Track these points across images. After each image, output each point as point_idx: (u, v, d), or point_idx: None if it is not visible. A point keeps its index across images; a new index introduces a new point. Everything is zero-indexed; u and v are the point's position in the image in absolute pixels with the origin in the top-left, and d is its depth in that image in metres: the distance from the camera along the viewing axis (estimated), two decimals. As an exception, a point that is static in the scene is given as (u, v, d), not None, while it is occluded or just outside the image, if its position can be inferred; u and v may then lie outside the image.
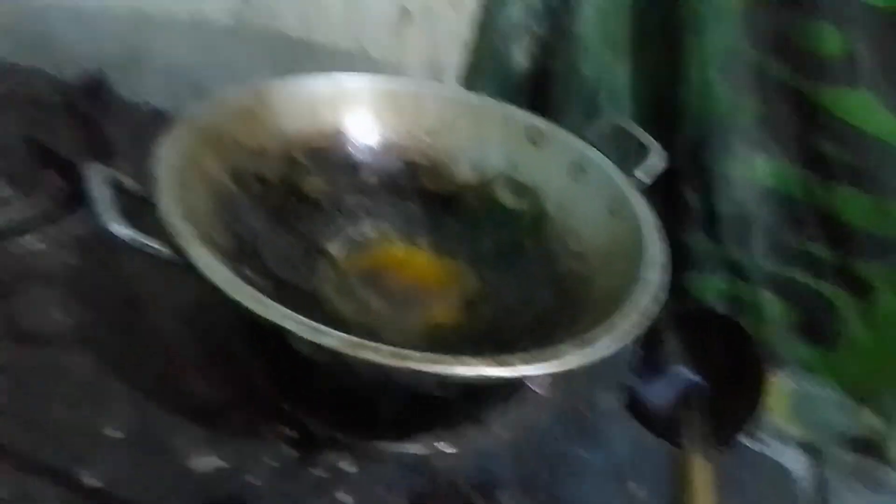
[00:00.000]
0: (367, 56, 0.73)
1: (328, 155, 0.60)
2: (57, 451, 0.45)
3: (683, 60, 0.65)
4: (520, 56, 0.70)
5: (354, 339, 0.37)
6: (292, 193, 0.58)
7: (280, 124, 0.58)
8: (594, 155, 0.59)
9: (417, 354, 0.37)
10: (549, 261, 0.57)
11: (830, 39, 0.62)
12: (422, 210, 0.62)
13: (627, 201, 0.54)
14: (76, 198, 0.62)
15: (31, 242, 0.58)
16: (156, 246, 0.40)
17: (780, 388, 0.77)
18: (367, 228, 0.61)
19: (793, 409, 0.77)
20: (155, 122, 0.73)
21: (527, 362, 0.39)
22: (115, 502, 0.43)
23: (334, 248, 0.58)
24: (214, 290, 0.39)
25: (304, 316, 0.44)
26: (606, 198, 0.56)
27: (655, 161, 0.58)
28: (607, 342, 0.42)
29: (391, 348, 0.37)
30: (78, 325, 0.53)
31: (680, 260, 0.77)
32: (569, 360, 0.40)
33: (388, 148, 0.63)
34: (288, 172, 0.58)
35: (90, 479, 0.43)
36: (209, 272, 0.39)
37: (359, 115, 0.62)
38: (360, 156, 0.62)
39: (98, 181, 0.41)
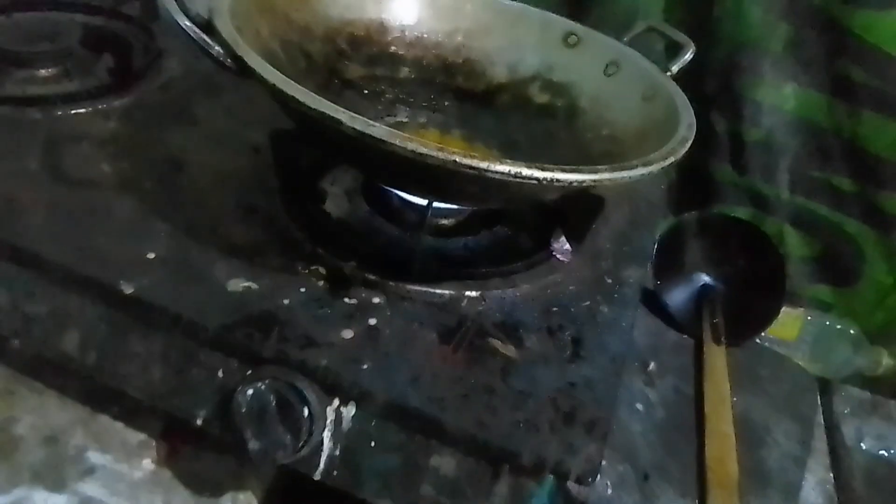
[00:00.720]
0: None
1: (369, 45, 0.63)
2: (100, 267, 0.46)
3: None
4: (558, -21, 0.73)
5: (398, 132, 0.39)
6: (334, 75, 0.60)
7: (326, 10, 0.60)
8: (629, 52, 0.61)
9: (460, 151, 0.38)
10: (583, 146, 0.58)
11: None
12: (456, 105, 0.64)
13: (661, 86, 0.56)
14: (127, 78, 0.64)
15: (81, 112, 0.61)
16: (217, 48, 0.42)
17: (795, 321, 0.77)
18: (403, 117, 0.62)
19: (805, 342, 0.77)
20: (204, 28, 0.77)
21: (563, 171, 0.40)
22: (153, 310, 0.44)
23: (371, 128, 0.59)
24: (271, 91, 0.41)
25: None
26: (641, 86, 0.57)
27: (688, 56, 0.59)
28: (640, 168, 0.43)
29: (436, 144, 0.38)
30: (123, 175, 0.54)
31: (704, 192, 0.79)
32: (602, 174, 0.41)
33: (425, 46, 0.65)
34: (331, 55, 0.60)
35: (129, 289, 0.45)
36: (265, 73, 0.41)
37: (400, 12, 0.64)
38: (398, 50, 0.64)
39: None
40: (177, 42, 0.72)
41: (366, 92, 0.62)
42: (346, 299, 0.47)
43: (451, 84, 0.65)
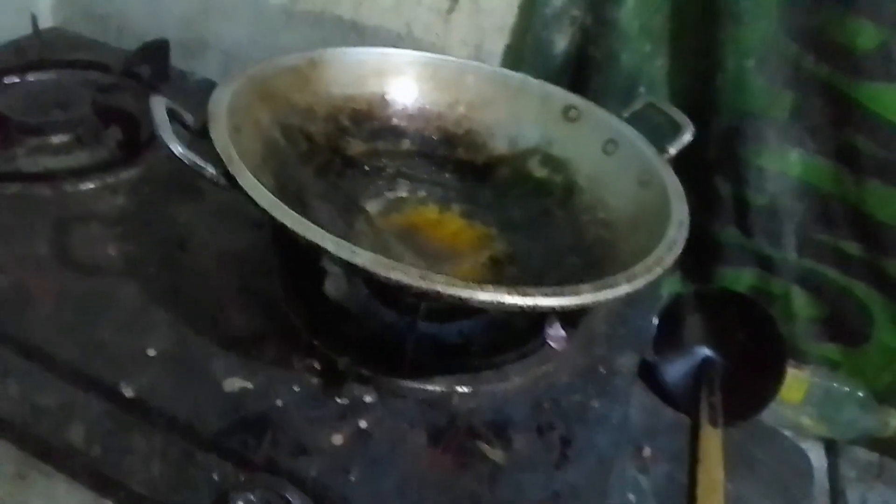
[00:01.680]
0: (414, 40, 0.77)
1: (371, 120, 0.64)
2: (103, 365, 0.48)
3: (721, 51, 0.67)
4: (561, 42, 0.73)
5: (385, 259, 0.40)
6: (336, 153, 0.61)
7: (328, 88, 0.62)
8: (628, 131, 0.61)
9: (442, 278, 0.39)
10: (577, 229, 0.58)
11: (867, 34, 0.63)
12: (456, 179, 0.65)
13: (657, 172, 0.56)
14: (135, 149, 0.66)
15: (90, 187, 0.62)
16: (210, 170, 0.43)
17: (801, 383, 0.77)
18: (404, 192, 0.63)
19: (812, 404, 0.77)
20: (208, 90, 0.79)
21: (545, 295, 0.41)
22: (152, 411, 0.46)
23: (372, 206, 0.61)
24: (262, 213, 0.42)
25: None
26: (637, 170, 0.58)
27: (687, 137, 0.60)
28: (624, 285, 0.43)
29: (419, 270, 0.39)
30: (129, 258, 0.56)
31: (710, 253, 0.79)
32: (585, 296, 0.42)
33: (427, 118, 0.66)
34: (333, 133, 0.61)
35: (129, 392, 0.46)
36: (257, 196, 0.42)
37: (402, 85, 0.65)
38: (400, 123, 0.65)
39: (159, 109, 0.44)
40: (187, 102, 0.74)
41: (367, 168, 0.63)
42: (339, 398, 0.48)
43: (451, 156, 0.65)
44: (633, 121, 0.63)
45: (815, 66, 0.66)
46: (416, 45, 0.77)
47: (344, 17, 0.79)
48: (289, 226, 0.41)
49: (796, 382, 0.77)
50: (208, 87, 0.80)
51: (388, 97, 0.65)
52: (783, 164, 0.71)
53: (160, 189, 0.63)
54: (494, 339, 0.55)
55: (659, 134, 0.62)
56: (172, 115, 0.46)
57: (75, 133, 0.68)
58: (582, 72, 0.73)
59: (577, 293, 0.42)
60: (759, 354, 0.68)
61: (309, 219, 0.52)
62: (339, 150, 0.61)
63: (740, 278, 0.78)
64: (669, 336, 0.68)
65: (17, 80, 0.74)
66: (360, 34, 0.78)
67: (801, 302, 0.78)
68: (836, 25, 0.64)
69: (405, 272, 0.39)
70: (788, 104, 0.68)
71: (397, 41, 0.77)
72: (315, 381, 0.49)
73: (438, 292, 0.39)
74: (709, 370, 0.68)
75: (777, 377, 0.66)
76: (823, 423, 0.77)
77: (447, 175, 0.65)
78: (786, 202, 0.73)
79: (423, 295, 0.39)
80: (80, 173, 0.63)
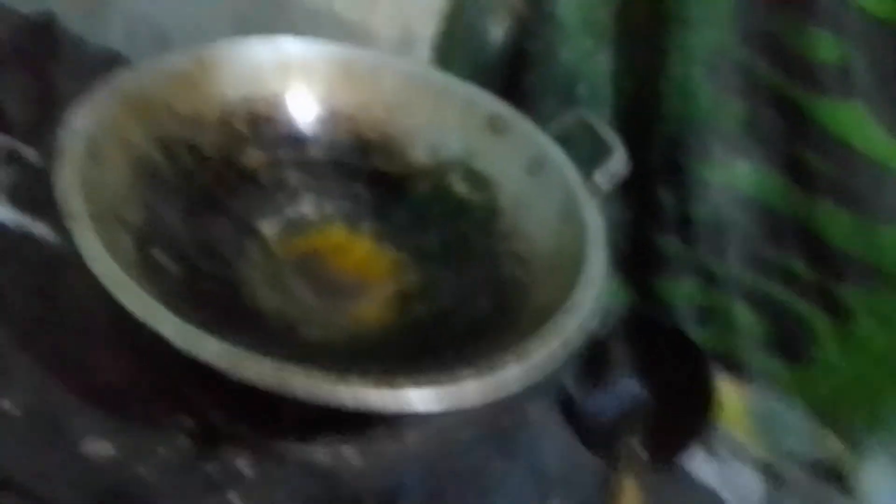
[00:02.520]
0: (335, 16, 0.69)
1: (271, 125, 0.57)
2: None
3: (667, 56, 0.60)
4: (497, 32, 0.65)
5: (234, 351, 0.35)
6: (228, 166, 0.54)
7: (221, 90, 0.54)
8: (554, 152, 0.55)
9: (301, 375, 0.35)
10: (493, 262, 0.53)
11: (826, 46, 0.56)
12: (369, 192, 0.59)
13: (579, 208, 0.51)
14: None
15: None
16: (40, 230, 0.37)
17: (742, 403, 0.74)
18: (308, 208, 0.57)
19: (753, 424, 0.75)
20: (110, 65, 0.71)
21: (418, 385, 0.36)
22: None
23: (268, 228, 0.55)
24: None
25: (219, 306, 0.42)
26: (560, 201, 0.52)
27: (617, 165, 0.54)
28: (515, 373, 0.39)
29: (274, 365, 0.35)
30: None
31: (649, 261, 0.74)
32: (466, 387, 0.37)
33: (338, 121, 0.59)
34: (225, 143, 0.55)
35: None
36: (89, 256, 0.36)
37: (309, 84, 0.58)
38: (307, 128, 0.58)
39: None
40: (76, 85, 0.67)
41: (266, 182, 0.56)
42: (208, 465, 0.44)
43: (365, 166, 0.59)
44: (564, 134, 0.57)
45: (769, 75, 0.60)
46: (336, 23, 0.69)
47: (260, -12, 0.70)
48: (126, 306, 0.35)
49: (736, 397, 0.74)
50: (107, 60, 0.73)
51: (292, 97, 0.58)
52: (730, 176, 0.66)
53: (33, 201, 0.57)
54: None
55: (593, 151, 0.57)
56: (11, 159, 0.39)
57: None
58: (517, 65, 0.66)
59: (456, 381, 0.37)
60: (687, 391, 0.64)
61: (182, 253, 0.47)
62: (233, 163, 0.55)
63: (680, 289, 0.74)
64: (593, 367, 0.64)
65: None
66: (277, 4, 0.70)
67: (743, 316, 0.74)
68: (794, 34, 0.57)
69: (258, 370, 0.34)
70: (738, 114, 0.63)
71: (315, 17, 0.69)
72: (186, 442, 0.45)
73: (295, 394, 0.34)
74: (634, 408, 0.64)
75: (704, 415, 0.63)
76: (763, 439, 0.75)
77: (359, 187, 0.59)
78: (731, 216, 0.68)
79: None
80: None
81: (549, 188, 0.54)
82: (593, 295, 0.44)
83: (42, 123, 0.61)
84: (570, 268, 0.47)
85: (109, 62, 0.72)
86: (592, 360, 0.65)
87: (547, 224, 0.52)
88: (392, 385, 0.36)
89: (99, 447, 0.44)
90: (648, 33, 0.61)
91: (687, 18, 0.58)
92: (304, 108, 0.58)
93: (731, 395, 0.71)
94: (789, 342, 0.73)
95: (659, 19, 0.60)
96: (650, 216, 0.71)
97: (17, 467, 0.42)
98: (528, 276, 0.51)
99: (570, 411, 0.64)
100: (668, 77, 0.61)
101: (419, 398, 0.36)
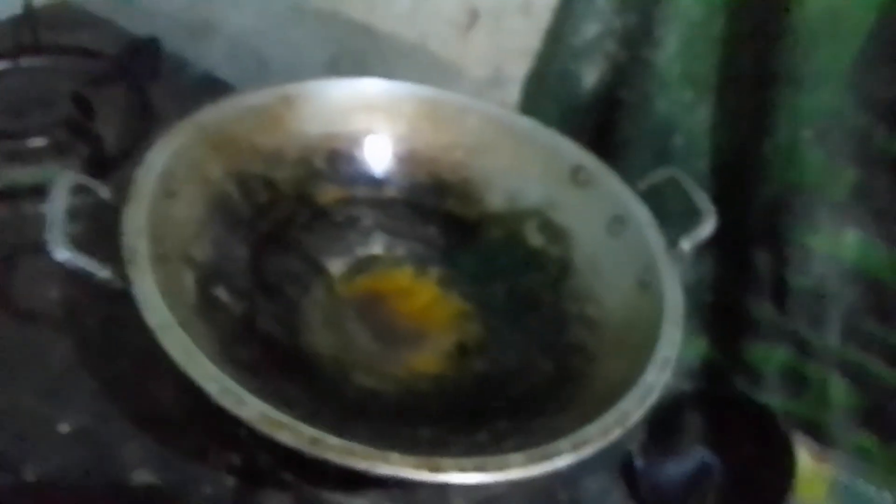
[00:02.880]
0: (428, 53, 0.68)
1: (350, 162, 0.57)
2: (10, 442, 0.45)
3: (774, 114, 0.56)
4: (590, 77, 0.63)
5: (274, 415, 0.34)
6: (303, 203, 0.55)
7: (304, 127, 0.55)
8: (639, 211, 0.52)
9: (338, 444, 0.33)
10: (560, 324, 0.51)
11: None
12: (441, 235, 0.57)
13: (659, 277, 0.47)
14: (103, 164, 0.61)
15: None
16: (101, 274, 0.37)
17: (824, 479, 0.68)
18: (378, 249, 0.57)
19: (835, 502, 0.68)
20: (211, 89, 0.73)
21: (462, 470, 0.34)
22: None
23: (336, 266, 0.54)
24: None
25: (275, 346, 0.42)
26: (639, 266, 0.49)
27: (706, 232, 0.50)
28: (567, 459, 0.36)
29: (312, 433, 0.34)
30: (68, 307, 0.52)
31: (739, 325, 0.69)
32: (513, 471, 0.35)
33: (417, 162, 0.58)
34: (302, 178, 0.55)
35: (31, 477, 0.43)
36: (144, 306, 0.37)
37: (392, 124, 0.57)
38: (385, 167, 0.58)
39: (60, 192, 0.39)
40: (180, 103, 0.69)
41: (339, 219, 0.56)
42: (251, 508, 0.44)
43: (440, 208, 0.58)
44: (651, 196, 0.54)
45: (888, 142, 0.55)
46: (429, 59, 0.68)
47: (356, 19, 0.70)
48: (172, 356, 0.35)
49: (818, 479, 0.68)
50: (207, 83, 0.75)
51: (374, 136, 0.57)
52: (835, 246, 0.60)
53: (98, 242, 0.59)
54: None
55: (681, 213, 0.53)
56: (83, 191, 0.40)
57: (52, 137, 0.64)
58: (610, 113, 0.63)
59: (503, 467, 0.35)
60: (764, 466, 0.59)
61: (247, 291, 0.47)
62: (308, 199, 0.55)
63: (771, 356, 0.69)
64: (662, 435, 0.60)
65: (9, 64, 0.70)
66: (372, 39, 0.70)
67: (839, 390, 0.68)
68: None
69: (295, 435, 0.33)
70: (850, 181, 0.57)
71: (410, 52, 0.69)
72: (231, 482, 0.45)
73: (328, 461, 0.33)
74: (704, 478, 0.60)
75: (781, 497, 0.58)
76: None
77: (432, 230, 0.58)
78: (834, 287, 0.62)
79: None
80: (42, 191, 0.58)
81: (629, 250, 0.51)
82: (663, 380, 0.41)
83: (136, 146, 0.64)
84: (641, 343, 0.44)
85: (210, 86, 0.74)
86: (661, 425, 0.61)
87: (622, 290, 0.49)
88: (433, 469, 0.34)
89: (147, 479, 0.44)
90: (754, 89, 0.57)
91: (799, 77, 0.53)
92: (384, 148, 0.58)
93: (813, 471, 0.66)
94: (885, 419, 0.67)
95: (767, 74, 0.55)
96: (742, 278, 0.66)
97: (65, 489, 0.43)
98: (595, 344, 0.48)
99: (633, 481, 0.60)
100: (774, 138, 0.56)
101: (461, 478, 0.34)
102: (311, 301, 0.51)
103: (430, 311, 0.54)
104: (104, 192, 0.42)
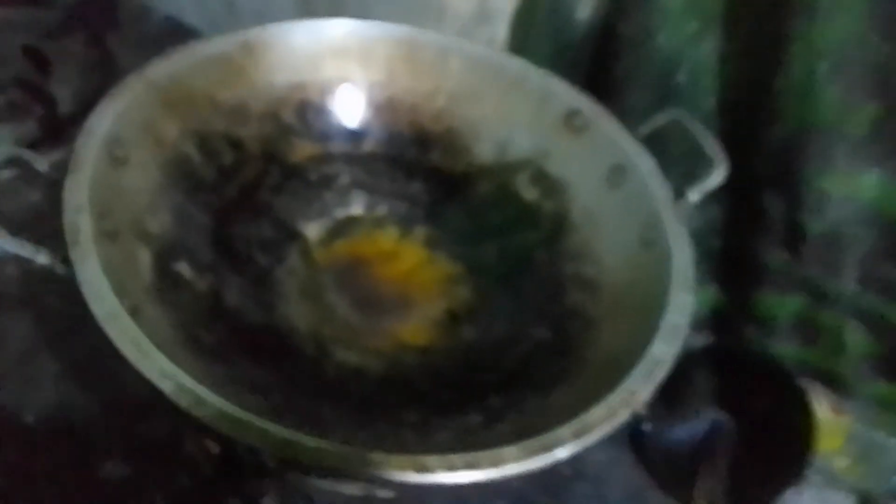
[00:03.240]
0: (406, -14, 0.62)
1: (323, 115, 0.52)
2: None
3: (787, 48, 0.50)
4: (584, 9, 0.57)
5: (237, 414, 0.30)
6: (272, 162, 0.50)
7: (269, 77, 0.49)
8: (641, 160, 0.47)
9: (312, 446, 0.30)
10: (558, 284, 0.47)
11: None
12: (426, 191, 0.53)
13: (664, 233, 0.43)
14: (57, 126, 0.56)
15: (5, 177, 0.54)
16: (39, 258, 0.33)
17: (841, 429, 0.66)
18: (358, 209, 0.52)
19: (852, 452, 0.66)
20: (174, 37, 0.67)
21: (451, 468, 0.31)
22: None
23: (313, 230, 0.50)
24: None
25: (246, 324, 0.38)
26: (642, 221, 0.45)
27: (716, 182, 0.46)
28: (569, 449, 0.33)
29: (282, 434, 0.30)
30: (27, 284, 0.48)
31: (752, 273, 0.65)
32: (508, 466, 0.32)
33: (397, 110, 0.53)
34: (271, 135, 0.50)
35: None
36: (90, 296, 0.32)
37: (366, 69, 0.52)
38: (362, 118, 0.53)
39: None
40: (136, 59, 0.64)
41: (314, 178, 0.51)
42: (230, 499, 0.41)
43: (424, 161, 0.53)
44: (654, 140, 0.49)
45: (913, 73, 0.50)
46: (408, -6, 0.62)
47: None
48: (121, 351, 0.31)
49: (835, 430, 0.66)
50: (171, 30, 0.69)
51: (348, 83, 0.52)
52: (853, 187, 0.56)
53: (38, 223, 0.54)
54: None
55: (687, 159, 0.49)
56: (18, 165, 0.36)
57: (4, 96, 0.59)
58: (607, 49, 0.57)
59: (497, 462, 0.32)
60: (781, 425, 0.56)
61: (213, 265, 0.43)
62: (278, 157, 0.50)
63: (784, 304, 0.65)
64: (670, 395, 0.56)
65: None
66: (346, -27, 0.64)
67: (855, 337, 0.65)
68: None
69: (262, 436, 0.30)
70: (869, 118, 0.52)
71: (387, -14, 0.63)
72: (209, 470, 0.42)
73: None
74: (716, 440, 0.57)
75: (799, 459, 0.55)
76: (860, 467, 0.67)
77: (416, 186, 0.53)
78: (851, 230, 0.58)
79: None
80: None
81: (631, 203, 0.46)
82: (672, 352, 0.37)
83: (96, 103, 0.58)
84: (647, 308, 0.40)
85: (174, 33, 0.68)
86: (669, 386, 0.58)
87: (624, 247, 0.45)
88: (420, 469, 0.30)
89: (118, 469, 0.41)
90: (765, 19, 0.51)
91: (814, 5, 0.48)
92: (360, 97, 0.52)
93: (828, 421, 0.63)
94: (903, 363, 0.64)
95: (780, 4, 0.50)
96: (752, 223, 0.62)
97: (33, 484, 0.40)
98: (595, 308, 0.44)
99: (641, 446, 0.57)
100: (787, 72, 0.51)
101: (452, 477, 0.31)
102: (285, 271, 0.47)
103: (416, 275, 0.50)
104: (41, 164, 0.37)
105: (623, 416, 0.34)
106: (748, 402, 0.58)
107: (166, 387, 0.30)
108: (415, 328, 0.47)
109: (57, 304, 0.48)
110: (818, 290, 0.63)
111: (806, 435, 0.56)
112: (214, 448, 0.42)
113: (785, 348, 0.62)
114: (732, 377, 0.59)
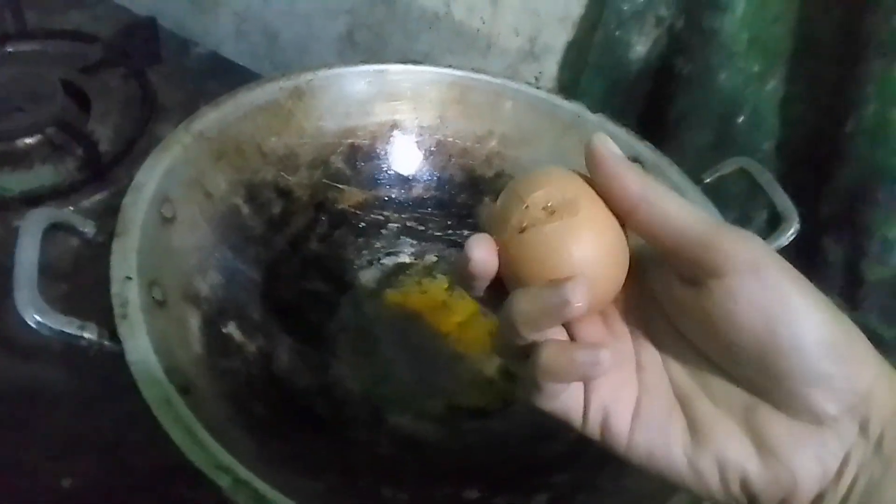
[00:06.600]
0: (453, 21, 0.60)
1: (374, 160, 0.50)
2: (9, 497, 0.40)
3: (861, 89, 0.48)
4: (640, 46, 0.55)
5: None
6: (322, 209, 0.48)
7: (319, 123, 0.48)
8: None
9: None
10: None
11: None
12: (479, 239, 0.51)
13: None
14: (98, 167, 0.55)
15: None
16: (85, 336, 0.32)
17: None
18: (407, 256, 0.51)
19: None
20: (216, 71, 0.66)
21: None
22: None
23: (362, 280, 0.48)
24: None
25: (298, 390, 0.37)
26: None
27: (786, 240, 0.44)
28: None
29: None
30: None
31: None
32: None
33: (448, 154, 0.51)
34: (319, 183, 0.48)
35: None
36: (137, 371, 0.31)
37: (418, 112, 0.51)
38: (413, 162, 0.51)
39: (32, 238, 0.33)
40: (178, 95, 0.63)
41: (363, 225, 0.50)
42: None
43: (475, 206, 0.52)
44: (716, 189, 0.47)
45: None
46: (455, 28, 0.60)
47: (372, -13, 0.63)
48: (173, 439, 0.30)
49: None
50: (212, 65, 0.68)
51: (399, 128, 0.51)
52: (921, 236, 0.53)
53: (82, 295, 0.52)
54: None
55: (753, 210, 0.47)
56: (62, 229, 0.35)
57: (43, 135, 0.58)
58: (664, 88, 0.55)
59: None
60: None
61: (262, 324, 0.42)
62: (327, 205, 0.49)
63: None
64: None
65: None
66: (390, 7, 0.62)
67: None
68: None
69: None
70: (945, 165, 0.50)
71: (433, 21, 0.61)
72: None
73: None
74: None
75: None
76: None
77: (467, 233, 0.51)
78: (915, 279, 0.56)
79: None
80: (33, 200, 0.53)
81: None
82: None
83: (137, 140, 0.58)
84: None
85: (215, 67, 0.67)
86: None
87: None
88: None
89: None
90: (837, 60, 0.49)
91: (890, 45, 0.45)
92: (410, 141, 0.51)
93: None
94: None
95: (851, 42, 0.47)
96: (810, 268, 0.59)
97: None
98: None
99: None
100: (858, 115, 0.49)
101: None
102: (336, 326, 0.46)
103: (468, 328, 0.48)
104: (88, 227, 0.36)
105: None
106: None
107: (224, 482, 0.29)
108: (469, 387, 0.45)
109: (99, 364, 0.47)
110: (875, 337, 0.61)
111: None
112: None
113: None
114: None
